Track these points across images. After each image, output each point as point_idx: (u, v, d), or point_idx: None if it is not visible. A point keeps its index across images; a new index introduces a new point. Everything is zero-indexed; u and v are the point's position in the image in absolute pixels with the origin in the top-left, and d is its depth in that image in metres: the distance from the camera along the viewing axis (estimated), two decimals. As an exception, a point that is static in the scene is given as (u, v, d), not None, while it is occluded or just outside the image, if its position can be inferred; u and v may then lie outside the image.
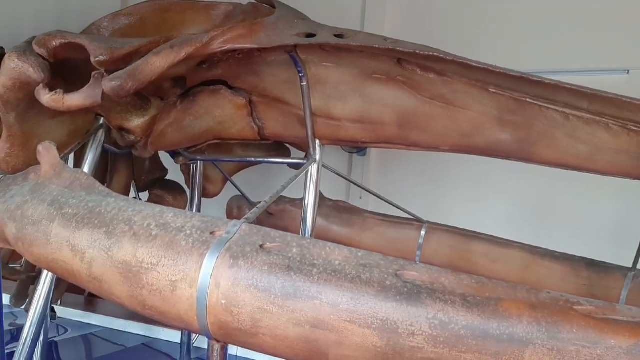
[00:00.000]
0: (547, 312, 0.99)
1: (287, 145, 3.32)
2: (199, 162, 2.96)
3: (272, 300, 1.04)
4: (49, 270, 1.36)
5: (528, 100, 1.79)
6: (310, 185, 2.30)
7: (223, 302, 1.06)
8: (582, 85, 1.70)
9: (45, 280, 2.19)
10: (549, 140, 1.84)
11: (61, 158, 1.83)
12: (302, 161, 2.39)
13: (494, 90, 1.83)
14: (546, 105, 1.77)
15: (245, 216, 1.29)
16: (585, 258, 2.51)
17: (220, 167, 3.15)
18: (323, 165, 2.35)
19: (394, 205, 2.99)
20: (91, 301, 4.60)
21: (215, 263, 1.08)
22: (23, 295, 3.62)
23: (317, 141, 2.30)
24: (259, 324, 1.05)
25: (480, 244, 2.80)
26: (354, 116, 2.11)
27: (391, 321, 0.99)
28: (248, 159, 2.94)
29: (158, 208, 1.25)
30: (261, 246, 1.12)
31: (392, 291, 1.01)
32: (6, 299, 4.29)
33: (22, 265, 3.41)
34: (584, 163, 1.82)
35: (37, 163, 1.82)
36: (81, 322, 3.92)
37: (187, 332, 3.10)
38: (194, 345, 3.18)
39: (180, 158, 2.78)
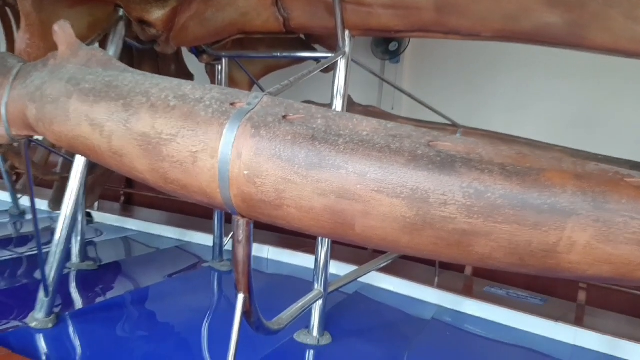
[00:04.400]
0: (594, 182, 0.90)
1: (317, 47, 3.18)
2: (223, 61, 2.85)
3: (296, 170, 0.99)
4: (70, 150, 1.33)
5: (583, -27, 1.59)
6: (339, 82, 2.18)
7: (245, 172, 1.02)
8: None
9: (77, 175, 2.22)
10: (603, 22, 1.65)
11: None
12: (330, 54, 2.26)
13: (545, -36, 1.63)
14: (604, -21, 1.57)
15: (268, 90, 1.22)
16: (631, 160, 2.37)
17: (245, 68, 3.05)
18: (353, 60, 2.22)
19: (428, 108, 2.86)
20: (127, 207, 4.76)
21: (236, 133, 1.03)
22: (60, 200, 3.74)
23: (347, 32, 2.15)
24: (283, 194, 1.01)
25: (519, 147, 2.67)
26: (387, 1, 1.94)
27: (422, 190, 0.92)
28: (273, 54, 2.81)
29: (176, 81, 1.19)
30: (284, 117, 1.05)
31: (423, 160, 0.94)
32: (44, 204, 4.47)
33: (58, 170, 3.50)
34: (641, 47, 1.64)
35: (58, 54, 1.75)
36: (118, 226, 4.06)
37: (219, 235, 3.17)
38: (225, 247, 3.27)
39: (205, 56, 2.69)
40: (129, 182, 5.04)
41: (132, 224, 4.05)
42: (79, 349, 1.99)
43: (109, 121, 1.15)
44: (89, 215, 4.08)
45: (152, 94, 1.14)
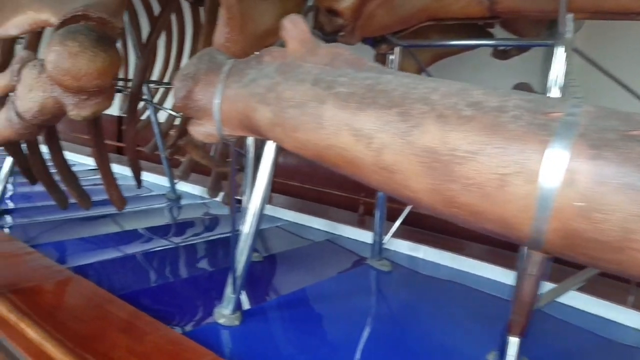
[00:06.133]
0: None
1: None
2: (396, 50, 2.66)
3: (658, 206, 0.75)
4: (316, 159, 1.21)
5: None
6: (557, 72, 1.88)
7: (579, 204, 0.80)
8: None
9: (265, 171, 2.17)
10: None
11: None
12: (548, 42, 1.96)
13: None
14: None
15: (576, 95, 0.99)
16: None
17: (416, 56, 2.83)
18: (574, 50, 1.90)
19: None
20: (270, 196, 4.82)
21: (568, 153, 0.81)
22: (218, 188, 3.86)
23: (570, 15, 1.84)
24: (632, 236, 0.78)
25: None
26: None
27: None
28: (488, 41, 2.54)
29: (458, 84, 1.00)
30: (627, 133, 0.81)
31: None
32: (196, 189, 4.66)
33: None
34: None
35: (253, 49, 1.68)
36: (266, 215, 4.10)
37: (379, 232, 3.03)
38: (384, 245, 3.13)
39: (384, 46, 2.51)
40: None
41: (280, 213, 4.07)
42: (268, 350, 1.95)
43: (381, 132, 1.00)
44: (238, 202, 4.17)
45: (434, 101, 0.97)
